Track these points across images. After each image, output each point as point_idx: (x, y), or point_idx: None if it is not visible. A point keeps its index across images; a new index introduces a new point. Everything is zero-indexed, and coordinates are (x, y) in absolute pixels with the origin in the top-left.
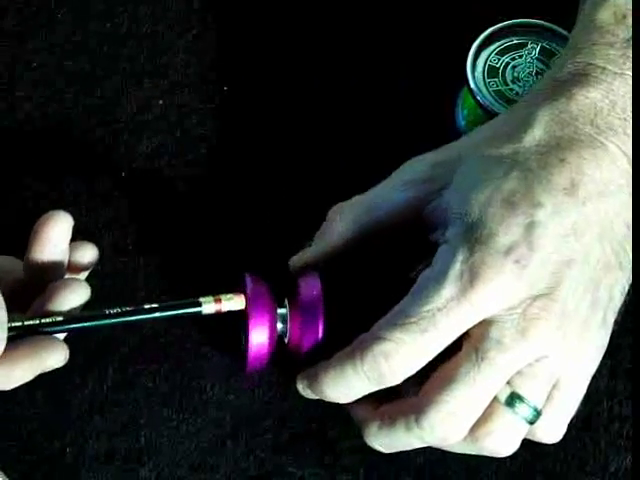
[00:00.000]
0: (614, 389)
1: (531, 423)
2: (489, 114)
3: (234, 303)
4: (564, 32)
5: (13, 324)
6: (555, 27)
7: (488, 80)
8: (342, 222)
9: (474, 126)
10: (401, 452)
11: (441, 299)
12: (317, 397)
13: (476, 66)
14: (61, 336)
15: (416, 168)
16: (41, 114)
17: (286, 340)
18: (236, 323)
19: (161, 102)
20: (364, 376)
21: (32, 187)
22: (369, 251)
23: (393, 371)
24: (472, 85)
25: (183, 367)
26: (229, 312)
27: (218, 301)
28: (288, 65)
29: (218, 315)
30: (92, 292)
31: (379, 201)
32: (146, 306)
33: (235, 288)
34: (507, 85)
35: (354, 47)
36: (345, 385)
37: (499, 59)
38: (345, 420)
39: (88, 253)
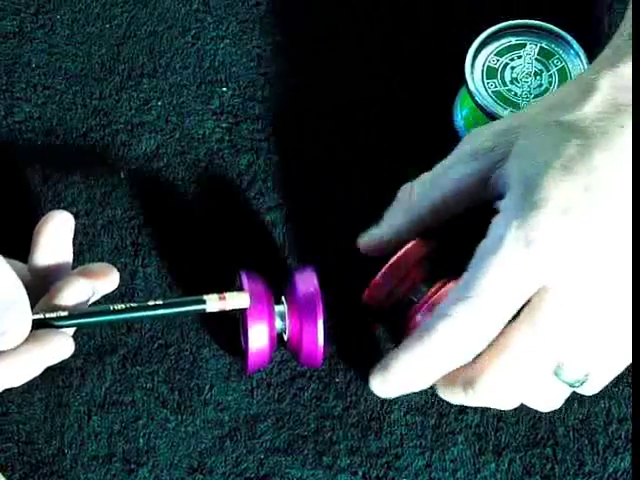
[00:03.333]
0: (612, 390)
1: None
2: (488, 115)
3: (238, 301)
4: (563, 33)
5: None
6: (554, 28)
7: (487, 81)
8: (411, 200)
9: (473, 126)
10: (400, 453)
11: (499, 268)
12: (396, 393)
13: (475, 67)
14: (70, 332)
15: (479, 138)
16: (40, 115)
17: (285, 337)
18: (234, 323)
19: (160, 103)
20: (435, 357)
21: (31, 188)
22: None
23: (461, 348)
24: (471, 86)
25: (181, 368)
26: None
27: (222, 299)
28: (287, 65)
29: (221, 313)
30: None
31: (446, 175)
32: (150, 303)
33: (237, 287)
34: (506, 86)
35: (354, 47)
36: (420, 369)
37: (498, 60)
38: (344, 421)
39: (108, 276)
